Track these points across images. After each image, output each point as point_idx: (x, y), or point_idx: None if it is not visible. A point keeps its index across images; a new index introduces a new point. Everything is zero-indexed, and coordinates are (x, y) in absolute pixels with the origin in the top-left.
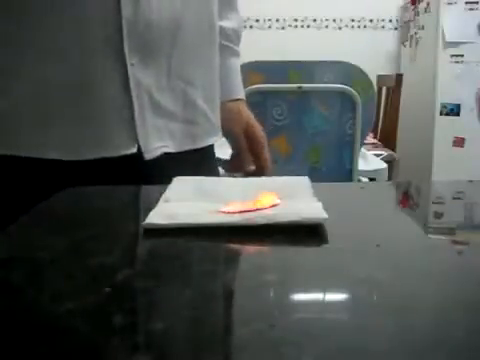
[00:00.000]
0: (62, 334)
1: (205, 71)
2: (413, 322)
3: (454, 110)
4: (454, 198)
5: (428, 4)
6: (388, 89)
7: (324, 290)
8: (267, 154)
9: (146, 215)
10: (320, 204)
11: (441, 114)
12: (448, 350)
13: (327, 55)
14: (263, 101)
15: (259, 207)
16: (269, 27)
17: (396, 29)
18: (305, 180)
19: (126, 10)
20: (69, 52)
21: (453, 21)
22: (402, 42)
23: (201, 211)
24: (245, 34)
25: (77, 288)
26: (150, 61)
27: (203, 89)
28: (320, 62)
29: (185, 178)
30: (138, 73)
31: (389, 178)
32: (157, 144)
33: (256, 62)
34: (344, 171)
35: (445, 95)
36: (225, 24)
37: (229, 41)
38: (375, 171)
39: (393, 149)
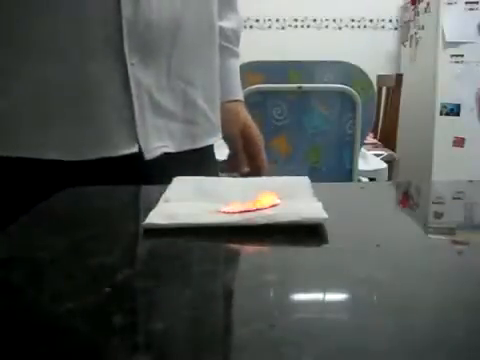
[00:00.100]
0: (62, 334)
1: (205, 71)
2: (413, 322)
3: (454, 110)
4: (454, 198)
5: (428, 4)
6: (388, 89)
7: (324, 290)
8: (263, 155)
9: (146, 215)
10: (320, 204)
11: (441, 114)
12: (448, 350)
13: (327, 55)
14: (263, 101)
15: (259, 207)
16: (269, 27)
17: (396, 29)
18: (305, 180)
19: (126, 10)
20: (69, 52)
21: (453, 21)
22: (402, 42)
23: (201, 211)
24: (245, 34)
25: (77, 288)
26: (150, 61)
27: (203, 89)
28: (320, 62)
29: (185, 178)
30: (138, 73)
31: (389, 178)
32: (157, 144)
33: (256, 62)
34: (344, 171)
35: (445, 95)
36: (225, 24)
37: (228, 42)
38: (375, 171)
39: (393, 149)
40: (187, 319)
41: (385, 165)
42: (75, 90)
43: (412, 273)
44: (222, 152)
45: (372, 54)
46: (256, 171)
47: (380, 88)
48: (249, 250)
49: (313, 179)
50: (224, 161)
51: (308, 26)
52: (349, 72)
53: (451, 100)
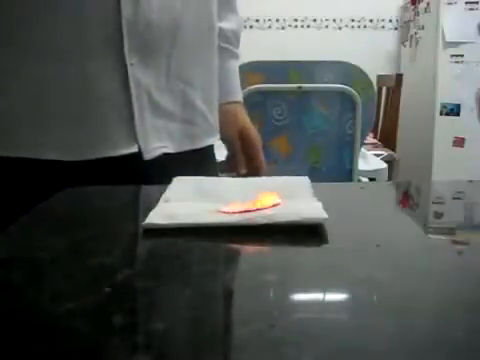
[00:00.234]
0: (62, 334)
1: (204, 72)
2: (413, 322)
3: (454, 110)
4: (454, 198)
5: (428, 4)
6: (388, 89)
7: (324, 290)
8: (262, 157)
9: (146, 215)
10: (320, 204)
11: (441, 114)
12: (448, 350)
13: (327, 55)
14: (263, 101)
15: (259, 207)
16: (269, 27)
17: (396, 29)
18: (305, 180)
19: (126, 10)
20: (69, 52)
21: (453, 21)
22: (402, 42)
23: (201, 211)
24: (245, 34)
25: (77, 288)
26: (150, 61)
27: (202, 90)
28: (320, 62)
29: (185, 178)
30: (138, 73)
31: (389, 178)
32: (156, 144)
33: (256, 62)
34: (344, 171)
35: (445, 95)
36: (224, 25)
37: (228, 43)
38: (375, 171)
39: (393, 149)
40: (187, 319)
41: (385, 165)
42: (74, 90)
43: (412, 273)
44: (221, 153)
45: (372, 54)
46: (254, 172)
47: (380, 88)
48: (249, 250)
49: (313, 179)
50: (222, 162)
51: (308, 26)
52: (349, 72)
53: (451, 100)
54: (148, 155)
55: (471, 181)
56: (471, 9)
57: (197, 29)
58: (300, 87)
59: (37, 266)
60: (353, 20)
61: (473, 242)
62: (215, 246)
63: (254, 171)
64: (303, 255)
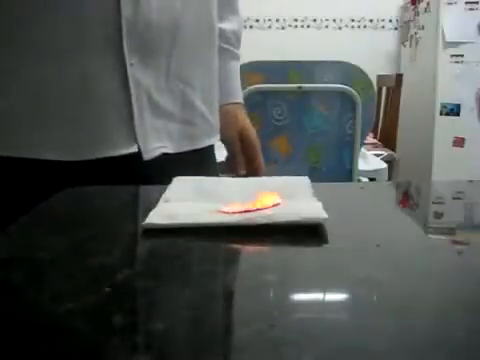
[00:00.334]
0: (62, 334)
1: (204, 72)
2: (413, 322)
3: (454, 110)
4: (454, 198)
5: (428, 4)
6: (388, 89)
7: (324, 290)
8: (261, 158)
9: (146, 215)
10: (320, 204)
11: (441, 114)
12: (448, 350)
13: (327, 55)
14: (263, 101)
15: (259, 207)
16: (269, 27)
17: (396, 29)
18: (305, 180)
19: (126, 10)
20: (68, 52)
21: (453, 21)
22: (402, 42)
23: (201, 211)
24: (245, 34)
25: (77, 288)
26: (150, 61)
27: (201, 90)
28: (320, 62)
29: (185, 178)
30: (137, 73)
31: (389, 178)
32: (156, 144)
33: (256, 62)
34: (344, 171)
35: (445, 95)
36: (225, 26)
37: (229, 44)
38: (375, 171)
39: (393, 149)
40: (187, 319)
41: (385, 165)
42: (74, 90)
43: (412, 273)
44: (220, 154)
45: (372, 54)
46: (253, 173)
47: (380, 88)
48: (249, 250)
49: (313, 179)
50: (222, 163)
51: (308, 26)
52: (349, 72)
53: (451, 100)
54: (148, 155)
55: (471, 181)
56: (471, 9)
57: (197, 29)
58: (300, 87)
59: (37, 266)
60: (353, 20)
61: (473, 242)
62: (215, 246)
63: (253, 172)
64: (303, 255)
